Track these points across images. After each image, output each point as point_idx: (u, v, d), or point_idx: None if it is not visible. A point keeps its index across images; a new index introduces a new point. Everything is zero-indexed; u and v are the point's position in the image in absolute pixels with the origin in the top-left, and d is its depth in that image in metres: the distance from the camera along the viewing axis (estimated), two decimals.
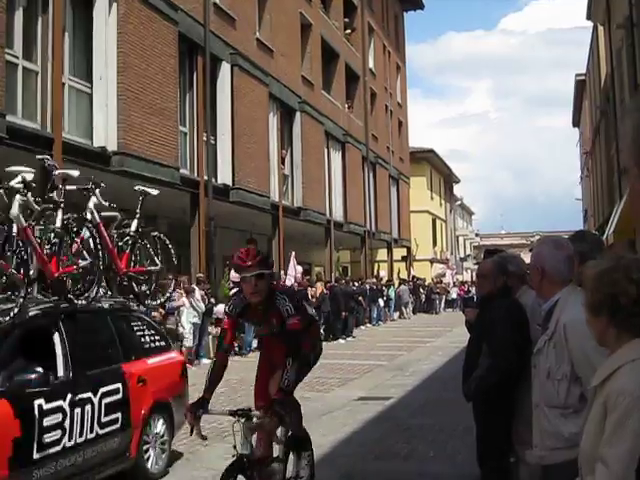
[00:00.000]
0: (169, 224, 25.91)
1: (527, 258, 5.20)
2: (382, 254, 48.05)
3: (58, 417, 6.97)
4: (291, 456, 7.02)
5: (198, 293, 19.57)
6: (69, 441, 7.07)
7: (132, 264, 9.62)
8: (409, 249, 52.44)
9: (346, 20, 41.25)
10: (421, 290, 47.20)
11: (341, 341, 27.07)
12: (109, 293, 9.15)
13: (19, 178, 7.53)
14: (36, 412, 6.69)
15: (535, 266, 4.30)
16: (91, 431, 7.41)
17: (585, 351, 3.77)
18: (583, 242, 4.96)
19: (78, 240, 8.35)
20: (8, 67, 15.40)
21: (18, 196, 7.44)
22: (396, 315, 41.08)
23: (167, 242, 10.47)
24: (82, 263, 8.15)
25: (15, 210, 7.33)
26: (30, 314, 7.23)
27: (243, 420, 6.19)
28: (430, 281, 51.15)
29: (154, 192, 11.25)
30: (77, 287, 8.16)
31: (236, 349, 21.99)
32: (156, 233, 10.62)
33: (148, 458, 8.44)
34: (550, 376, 4.01)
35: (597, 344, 3.10)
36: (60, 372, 7.25)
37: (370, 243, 42.41)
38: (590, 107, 45.42)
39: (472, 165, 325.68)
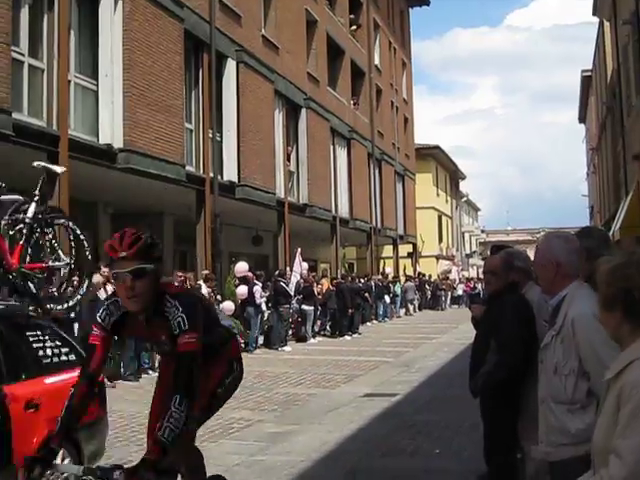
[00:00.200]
0: (175, 221, 26.00)
1: (532, 254, 5.15)
2: (388, 250, 48.04)
3: None
4: None
5: (205, 290, 19.57)
6: None
7: (27, 259, 7.69)
8: (415, 245, 52.37)
9: (352, 16, 41.21)
10: (427, 286, 47.16)
11: (347, 337, 27.08)
12: None
13: None
14: None
15: (550, 260, 4.21)
16: None
17: (593, 345, 3.76)
18: (590, 238, 4.95)
19: None
20: (14, 64, 15.41)
21: None
22: (402, 312, 41.06)
23: (79, 232, 8.74)
24: None
25: None
26: None
27: None
28: (436, 277, 51.09)
29: (58, 169, 9.77)
30: None
31: (242, 345, 22.03)
32: (63, 221, 8.82)
33: None
34: (557, 371, 3.98)
35: (606, 338, 3.10)
36: None
37: (376, 240, 42.39)
38: (596, 103, 45.34)
39: (478, 161, 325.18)
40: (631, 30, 24.43)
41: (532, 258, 5.03)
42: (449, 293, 50.28)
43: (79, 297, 8.62)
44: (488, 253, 7.77)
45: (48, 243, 8.09)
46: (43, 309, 7.70)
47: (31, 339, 7.10)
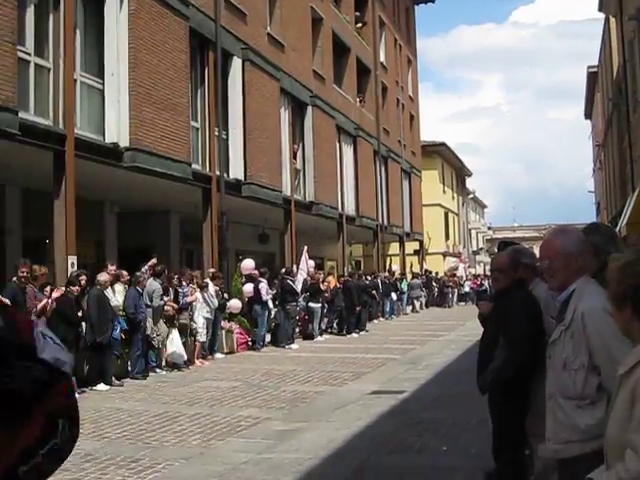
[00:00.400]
0: (181, 219, 26.04)
1: (538, 251, 5.10)
2: (394, 248, 48.05)
3: None
4: None
5: (212, 288, 19.58)
6: None
7: None
8: (421, 243, 52.38)
9: (357, 14, 41.21)
10: (434, 284, 47.14)
11: (354, 335, 27.07)
12: None
13: None
14: None
15: (572, 253, 4.16)
16: None
17: (604, 339, 3.73)
18: (597, 234, 4.94)
19: None
20: (20, 64, 15.42)
21: None
22: (409, 309, 41.06)
23: None
24: None
25: None
26: None
27: None
28: (443, 274, 51.04)
29: None
30: None
31: (249, 344, 22.07)
32: None
33: None
34: (567, 366, 3.93)
35: (617, 332, 3.10)
36: None
37: (382, 237, 42.39)
38: (602, 99, 45.28)
39: (484, 158, 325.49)
40: (637, 26, 24.41)
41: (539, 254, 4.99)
42: (456, 290, 50.23)
43: None
44: (495, 250, 7.77)
45: None
46: None
47: None
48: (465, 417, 11.20)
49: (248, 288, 22.41)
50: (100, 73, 18.63)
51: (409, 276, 43.57)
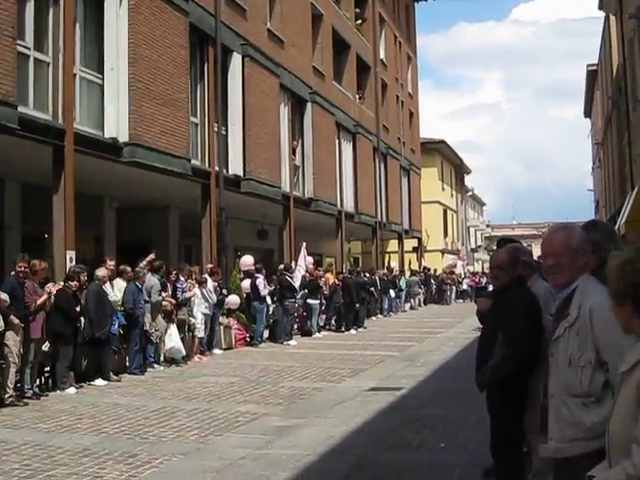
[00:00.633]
0: (180, 215, 26.04)
1: (538, 249, 5.07)
2: (393, 245, 48.07)
3: None
4: None
5: (211, 284, 19.58)
6: None
7: None
8: (420, 240, 52.39)
9: (357, 10, 41.19)
10: (432, 281, 47.16)
11: (352, 332, 27.06)
12: None
13: None
14: None
15: (574, 251, 4.15)
16: None
17: (613, 335, 3.67)
18: (596, 232, 4.92)
19: None
20: (19, 58, 15.41)
21: None
22: (407, 306, 41.08)
23: None
24: None
25: None
26: None
27: None
28: (441, 272, 51.05)
29: None
30: None
31: (247, 339, 22.08)
32: None
33: None
34: (572, 363, 3.90)
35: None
36: None
37: (381, 234, 42.38)
38: (602, 97, 45.27)
39: (483, 156, 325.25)
40: (637, 24, 24.39)
41: (539, 251, 4.96)
42: (454, 288, 50.26)
43: None
44: (494, 247, 7.77)
45: None
46: None
47: None
48: (463, 414, 11.21)
49: (246, 284, 22.43)
50: (100, 68, 18.61)
51: (407, 273, 43.57)
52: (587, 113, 62.97)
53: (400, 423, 10.94)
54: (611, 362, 3.71)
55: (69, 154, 16.34)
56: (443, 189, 63.46)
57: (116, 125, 18.42)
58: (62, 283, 14.25)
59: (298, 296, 24.59)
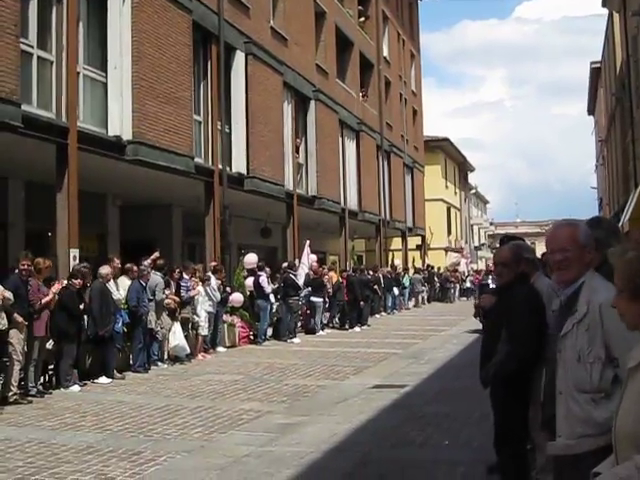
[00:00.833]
0: (184, 213, 26.05)
1: (541, 246, 5.04)
2: (397, 243, 48.04)
3: None
4: None
5: (214, 282, 19.59)
6: None
7: None
8: (424, 238, 52.35)
9: (360, 8, 41.13)
10: (435, 279, 47.13)
11: (356, 329, 27.06)
12: None
13: None
14: None
15: (582, 246, 4.11)
16: None
17: (624, 331, 3.64)
18: (599, 228, 4.91)
19: None
20: (23, 56, 15.42)
21: None
22: (411, 304, 41.07)
23: None
24: None
25: None
26: None
27: None
28: (444, 270, 50.97)
29: None
30: None
31: (251, 337, 22.09)
32: None
33: None
34: (581, 359, 3.89)
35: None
36: None
37: (385, 232, 42.36)
38: (605, 95, 45.23)
39: (487, 154, 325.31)
40: None
41: (543, 249, 4.94)
42: (458, 285, 50.24)
43: None
44: (497, 245, 7.77)
45: None
46: None
47: None
48: (467, 411, 11.21)
49: (250, 282, 22.44)
50: (103, 66, 18.62)
51: (411, 271, 43.54)
52: (591, 110, 62.90)
53: (404, 420, 10.94)
54: (621, 358, 3.68)
55: (72, 152, 16.36)
56: (447, 187, 63.44)
57: (119, 123, 18.43)
58: (66, 282, 14.24)
59: (302, 294, 24.60)
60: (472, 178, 79.48)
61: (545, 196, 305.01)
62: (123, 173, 19.83)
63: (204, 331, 18.93)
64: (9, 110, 14.38)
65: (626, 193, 31.95)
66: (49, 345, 13.70)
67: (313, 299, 25.43)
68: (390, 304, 36.22)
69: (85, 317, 14.68)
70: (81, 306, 14.31)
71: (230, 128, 24.61)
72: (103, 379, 14.71)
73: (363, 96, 40.80)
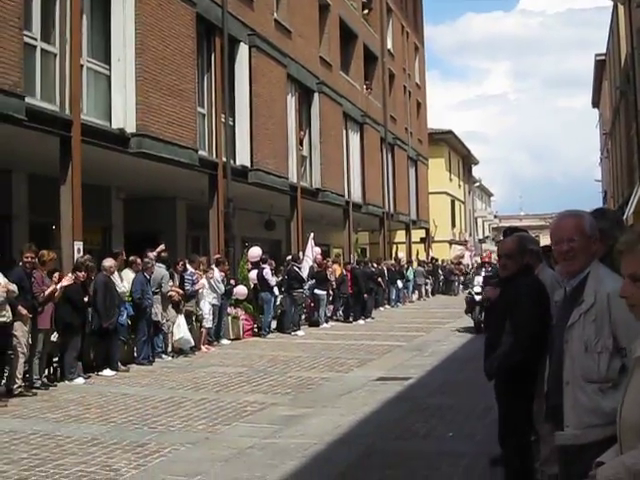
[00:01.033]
0: (188, 206, 26.06)
1: (545, 239, 5.04)
2: (400, 235, 48.02)
3: None
4: None
5: (217, 274, 19.61)
6: None
7: None
8: (428, 230, 52.36)
9: (364, 0, 41.05)
10: (440, 272, 47.10)
11: (360, 322, 27.08)
12: None
13: None
14: None
15: (588, 236, 4.08)
16: None
17: (632, 321, 3.63)
18: (603, 219, 4.90)
19: None
20: (26, 49, 15.41)
21: None
22: (415, 296, 41.07)
23: None
24: None
25: None
26: None
27: None
28: (448, 263, 50.89)
29: None
30: None
31: (255, 330, 22.11)
32: None
33: None
34: (588, 349, 3.89)
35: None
36: None
37: (389, 224, 42.35)
38: (610, 87, 45.13)
39: (491, 147, 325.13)
40: None
41: (547, 241, 4.92)
42: (462, 278, 50.20)
43: None
44: (501, 238, 7.77)
45: None
46: None
47: None
48: (471, 404, 11.22)
49: (253, 275, 22.46)
50: (107, 59, 18.61)
51: (415, 264, 43.55)
52: (595, 103, 62.79)
53: (408, 412, 10.95)
54: (629, 347, 3.68)
55: (76, 145, 16.35)
56: (451, 180, 63.38)
57: (123, 116, 18.43)
58: (72, 276, 14.23)
59: (306, 287, 24.60)
60: (476, 171, 79.44)
61: (549, 189, 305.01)
62: (127, 166, 19.83)
63: (208, 323, 18.96)
64: (13, 102, 14.38)
65: (630, 186, 31.91)
66: (53, 337, 13.71)
67: (317, 292, 25.45)
68: (394, 297, 36.20)
69: (89, 310, 14.70)
70: (85, 299, 14.32)
71: (234, 121, 24.60)
72: (107, 371, 14.73)
73: (367, 89, 40.75)
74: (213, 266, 19.96)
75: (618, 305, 3.64)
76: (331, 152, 32.99)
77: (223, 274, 20.15)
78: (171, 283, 17.56)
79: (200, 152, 21.79)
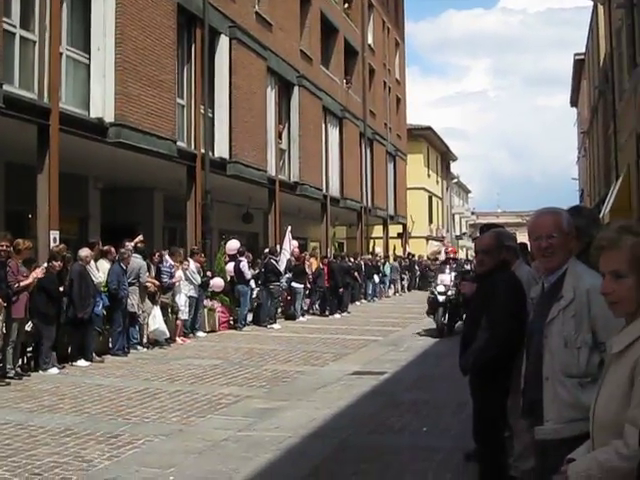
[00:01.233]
0: (165, 197, 25.95)
1: (522, 236, 5.06)
2: (378, 230, 48.10)
3: None
4: None
5: (193, 265, 19.55)
6: None
7: None
8: (405, 226, 52.46)
9: None
10: (416, 267, 47.18)
11: (336, 316, 27.11)
12: None
13: None
14: None
15: (566, 233, 4.17)
16: None
17: (611, 316, 3.65)
18: (579, 217, 4.93)
19: None
20: (5, 36, 15.29)
21: None
22: (391, 291, 41.15)
23: None
24: None
25: None
26: None
27: None
28: (425, 258, 51.01)
29: None
30: None
31: (231, 322, 22.07)
32: None
33: None
34: (568, 345, 3.95)
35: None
36: None
37: (366, 219, 42.41)
38: (588, 87, 45.30)
39: (470, 143, 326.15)
40: (624, 14, 24.39)
41: (524, 239, 4.95)
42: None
43: None
44: (478, 234, 7.79)
45: None
46: None
47: None
48: (446, 399, 11.26)
49: (230, 267, 22.42)
50: (86, 47, 18.50)
51: (391, 259, 43.61)
52: (573, 102, 63.01)
53: (383, 407, 10.97)
54: (608, 343, 3.71)
55: (54, 133, 16.25)
56: (429, 175, 63.52)
57: (102, 105, 18.33)
58: (45, 265, 14.12)
59: (283, 280, 24.58)
60: (455, 168, 79.75)
61: (527, 187, 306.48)
62: (105, 155, 19.72)
63: (184, 315, 18.91)
64: None
65: (607, 185, 32.09)
66: (28, 327, 13.62)
67: (294, 285, 25.45)
68: (370, 291, 36.26)
69: (64, 299, 14.60)
70: (61, 288, 14.24)
71: (213, 112, 24.53)
72: (82, 362, 14.65)
73: (347, 83, 40.73)
74: (188, 257, 19.90)
75: (597, 301, 3.67)
76: (310, 146, 32.97)
77: (198, 265, 20.08)
78: (147, 274, 17.50)
79: (179, 143, 21.72)
